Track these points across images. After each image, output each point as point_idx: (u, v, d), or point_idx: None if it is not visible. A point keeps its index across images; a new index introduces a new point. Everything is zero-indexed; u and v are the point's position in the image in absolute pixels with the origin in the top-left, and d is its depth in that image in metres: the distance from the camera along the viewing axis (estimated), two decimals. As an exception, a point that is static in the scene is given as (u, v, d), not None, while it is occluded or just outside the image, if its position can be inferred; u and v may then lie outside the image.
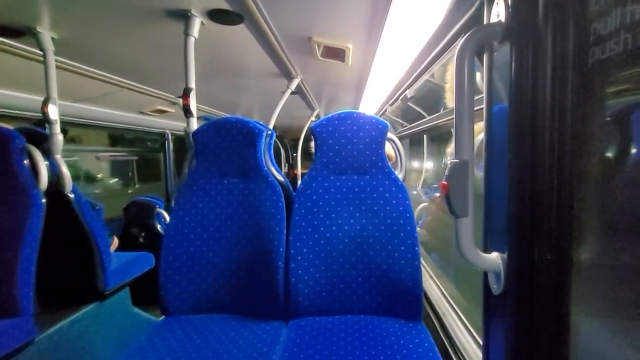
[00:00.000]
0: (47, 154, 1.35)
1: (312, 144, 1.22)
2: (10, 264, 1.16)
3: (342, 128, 1.15)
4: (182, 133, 1.26)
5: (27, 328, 1.17)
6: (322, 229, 1.11)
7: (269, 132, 1.28)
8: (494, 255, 0.57)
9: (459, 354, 0.95)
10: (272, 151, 1.34)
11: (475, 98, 0.57)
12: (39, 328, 1.22)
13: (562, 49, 0.47)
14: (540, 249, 0.49)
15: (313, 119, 3.54)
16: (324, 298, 1.09)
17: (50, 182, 1.33)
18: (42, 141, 1.37)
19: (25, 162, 1.28)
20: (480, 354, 0.88)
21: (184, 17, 1.15)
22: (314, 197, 1.14)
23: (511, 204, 0.52)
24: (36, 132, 1.43)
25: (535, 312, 0.51)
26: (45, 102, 1.33)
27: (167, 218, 2.39)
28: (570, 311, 0.48)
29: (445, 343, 1.04)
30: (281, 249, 1.10)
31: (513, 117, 0.52)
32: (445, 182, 0.56)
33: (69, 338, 1.36)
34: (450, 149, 2.01)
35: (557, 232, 0.48)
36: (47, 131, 1.37)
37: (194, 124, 1.25)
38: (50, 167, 1.35)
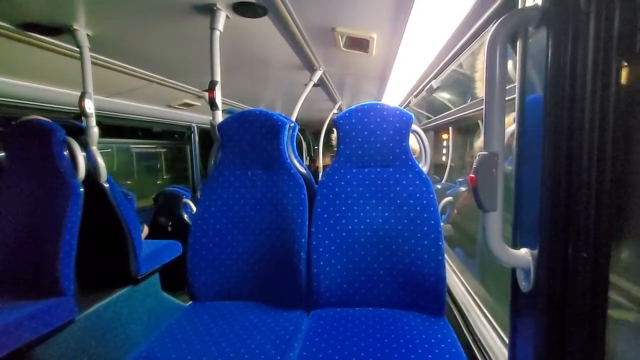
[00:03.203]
0: (84, 146, 1.43)
1: (334, 136, 1.21)
2: (53, 248, 1.25)
3: (365, 120, 1.14)
4: (207, 126, 1.30)
5: (69, 307, 1.26)
6: (343, 221, 1.12)
7: (292, 124, 1.29)
8: (524, 251, 0.55)
9: (483, 351, 0.93)
10: (294, 143, 1.35)
11: (507, 88, 0.54)
12: (79, 308, 1.31)
13: (605, 34, 0.44)
14: (576, 245, 0.47)
15: (335, 111, 3.52)
16: (345, 290, 1.09)
17: (86, 172, 1.41)
18: (79, 134, 1.45)
19: (65, 153, 1.36)
20: (506, 352, 0.86)
21: (210, 11, 1.17)
22: (336, 189, 1.14)
23: (544, 198, 0.50)
24: (74, 125, 1.52)
25: (568, 311, 0.49)
26: (82, 97, 1.40)
27: (194, 208, 2.48)
28: (607, 313, 0.46)
29: (469, 340, 1.02)
30: (303, 240, 1.11)
31: (549, 108, 0.49)
32: (473, 175, 0.54)
33: (105, 318, 1.46)
34: (479, 142, 1.94)
35: (595, 228, 0.45)
36: (83, 124, 1.45)
37: (220, 117, 1.27)
38: (86, 158, 1.43)
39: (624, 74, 0.44)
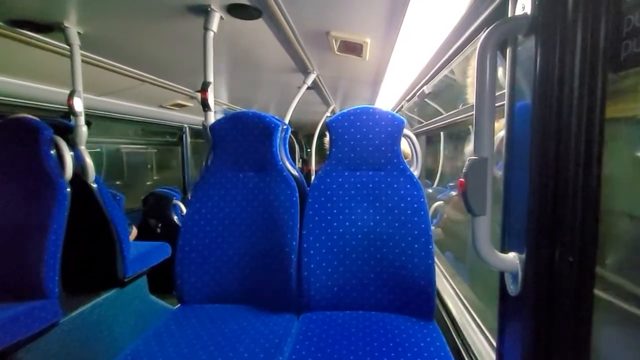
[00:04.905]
0: (72, 145, 1.41)
1: (327, 139, 1.21)
2: (38, 249, 1.22)
3: (358, 123, 1.14)
4: (200, 127, 1.29)
5: (53, 310, 1.23)
6: (335, 224, 1.11)
7: (285, 126, 1.29)
8: (512, 255, 0.56)
9: (471, 355, 0.93)
10: (287, 146, 1.35)
11: (497, 94, 0.55)
12: (63, 311, 1.28)
13: (592, 42, 0.45)
14: (562, 250, 0.47)
15: (329, 114, 3.53)
16: (336, 293, 1.09)
17: (74, 172, 1.39)
18: (67, 133, 1.42)
19: (52, 152, 1.33)
20: (493, 356, 0.87)
21: (204, 11, 1.17)
22: (328, 192, 1.14)
23: (532, 203, 0.51)
24: (62, 123, 1.49)
25: (555, 315, 0.49)
26: (71, 95, 1.38)
27: (184, 210, 2.45)
28: (592, 316, 0.47)
29: (458, 343, 1.03)
30: (294, 243, 1.11)
31: (537, 114, 0.50)
32: (462, 180, 0.55)
33: (90, 322, 1.43)
34: (469, 147, 1.97)
35: (581, 233, 0.46)
36: (72, 123, 1.43)
37: (212, 118, 1.27)
38: (74, 158, 1.40)
39: (609, 82, 0.45)
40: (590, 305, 0.47)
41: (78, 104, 1.39)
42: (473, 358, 0.92)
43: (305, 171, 5.82)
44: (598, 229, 0.45)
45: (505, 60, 0.59)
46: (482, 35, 0.54)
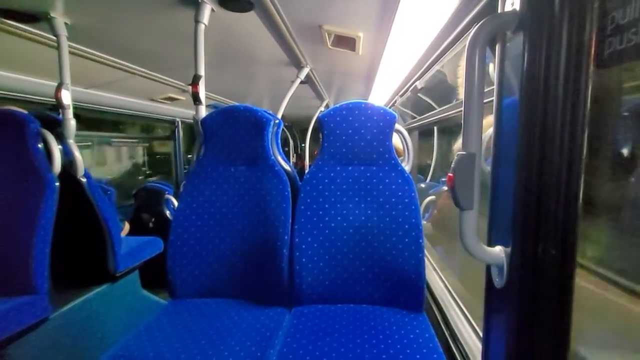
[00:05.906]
0: (61, 139, 1.38)
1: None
2: (26, 245, 1.21)
3: (350, 118, 1.14)
4: (192, 121, 1.27)
5: (42, 306, 1.22)
6: (327, 218, 1.12)
7: (277, 121, 1.28)
8: (498, 248, 0.57)
9: (459, 345, 0.95)
10: (279, 140, 1.34)
11: (486, 90, 0.56)
12: (53, 306, 1.27)
13: (577, 39, 0.45)
14: (545, 243, 0.49)
15: (322, 109, 3.52)
16: (327, 287, 1.10)
17: (63, 167, 1.37)
18: (56, 126, 1.40)
19: (39, 146, 1.31)
20: (480, 346, 0.89)
21: (195, 3, 1.15)
22: (320, 187, 1.14)
23: (517, 198, 0.52)
24: (50, 117, 1.46)
25: (538, 306, 0.51)
26: (58, 88, 1.35)
27: (176, 204, 2.44)
28: (572, 305, 0.48)
29: (446, 335, 1.05)
30: (286, 237, 1.11)
31: (523, 111, 0.51)
32: (451, 174, 0.55)
33: (81, 317, 1.42)
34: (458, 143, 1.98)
35: (563, 227, 0.47)
36: (60, 116, 1.40)
37: (203, 112, 1.25)
38: (63, 152, 1.38)
39: (594, 78, 0.46)
40: (570, 296, 0.48)
41: (66, 97, 1.36)
42: (461, 348, 0.94)
43: (299, 166, 5.81)
44: (579, 223, 0.47)
45: (495, 56, 0.60)
46: (472, 31, 0.54)
